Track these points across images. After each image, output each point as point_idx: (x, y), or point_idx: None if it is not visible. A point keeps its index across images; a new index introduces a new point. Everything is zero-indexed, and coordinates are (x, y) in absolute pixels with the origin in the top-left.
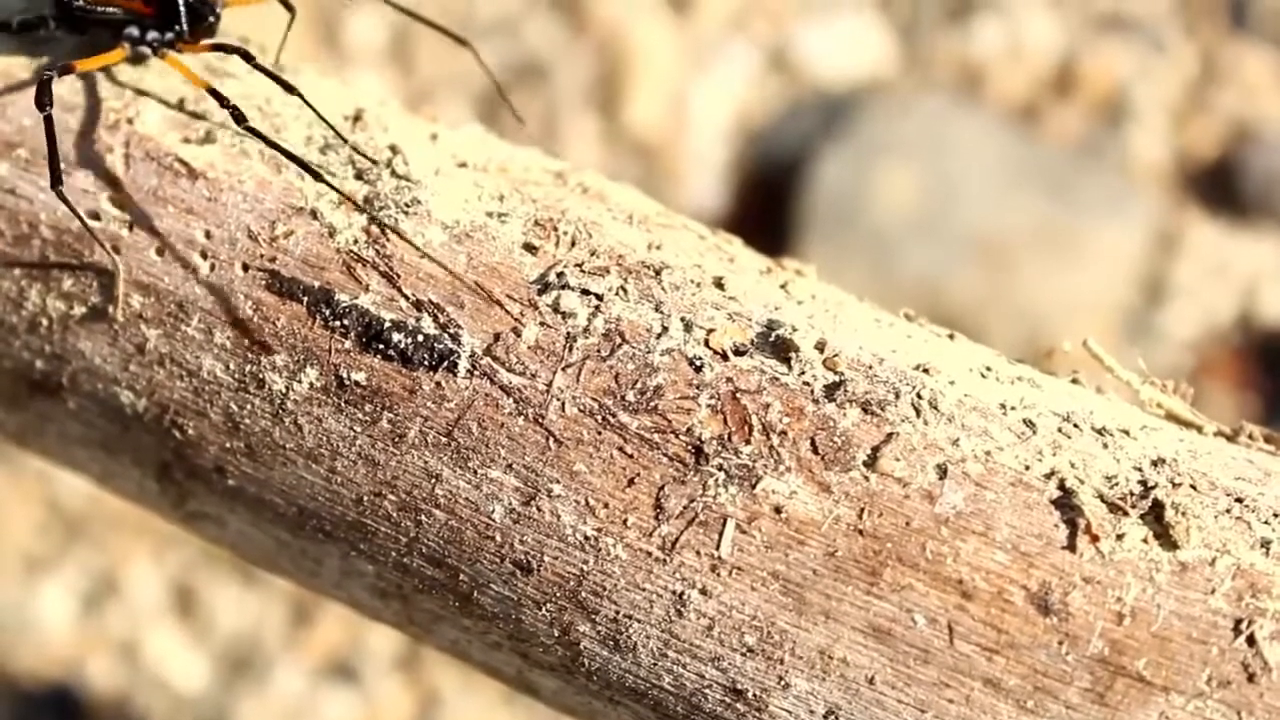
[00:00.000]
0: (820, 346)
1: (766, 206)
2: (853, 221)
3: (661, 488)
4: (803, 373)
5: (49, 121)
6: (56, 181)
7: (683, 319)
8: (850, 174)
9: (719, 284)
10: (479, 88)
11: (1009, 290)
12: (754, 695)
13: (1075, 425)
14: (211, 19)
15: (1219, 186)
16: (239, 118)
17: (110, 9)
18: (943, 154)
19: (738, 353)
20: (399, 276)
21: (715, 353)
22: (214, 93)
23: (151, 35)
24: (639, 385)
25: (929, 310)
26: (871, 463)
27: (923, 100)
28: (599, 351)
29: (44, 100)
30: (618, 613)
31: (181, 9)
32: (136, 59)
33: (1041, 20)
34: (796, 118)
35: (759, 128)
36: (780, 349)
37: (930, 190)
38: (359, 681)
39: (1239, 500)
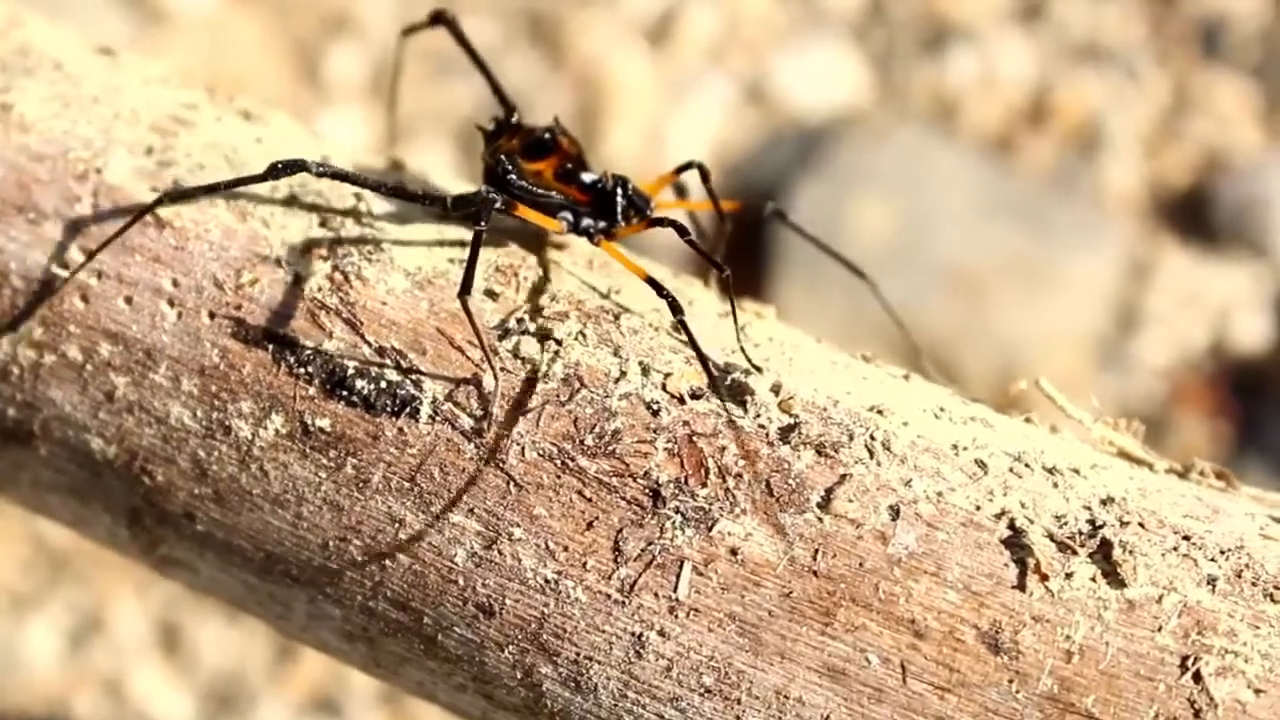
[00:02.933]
0: (776, 389)
1: (743, 238)
2: None
3: (620, 531)
4: (758, 415)
5: (479, 237)
6: (465, 290)
7: (641, 363)
8: (826, 205)
9: (677, 328)
10: (459, 124)
11: (983, 320)
12: None
13: (1026, 465)
14: (648, 211)
15: (1191, 215)
16: (676, 308)
17: (550, 193)
18: (917, 185)
19: (694, 396)
20: (362, 324)
21: (672, 396)
22: (652, 282)
23: (586, 223)
24: (597, 429)
25: (902, 342)
26: (825, 504)
27: (897, 131)
28: (558, 396)
29: (482, 217)
30: (578, 654)
31: (619, 205)
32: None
33: (1015, 51)
34: (773, 149)
35: (736, 159)
36: (736, 392)
37: (905, 221)
38: (342, 717)
39: (1186, 538)
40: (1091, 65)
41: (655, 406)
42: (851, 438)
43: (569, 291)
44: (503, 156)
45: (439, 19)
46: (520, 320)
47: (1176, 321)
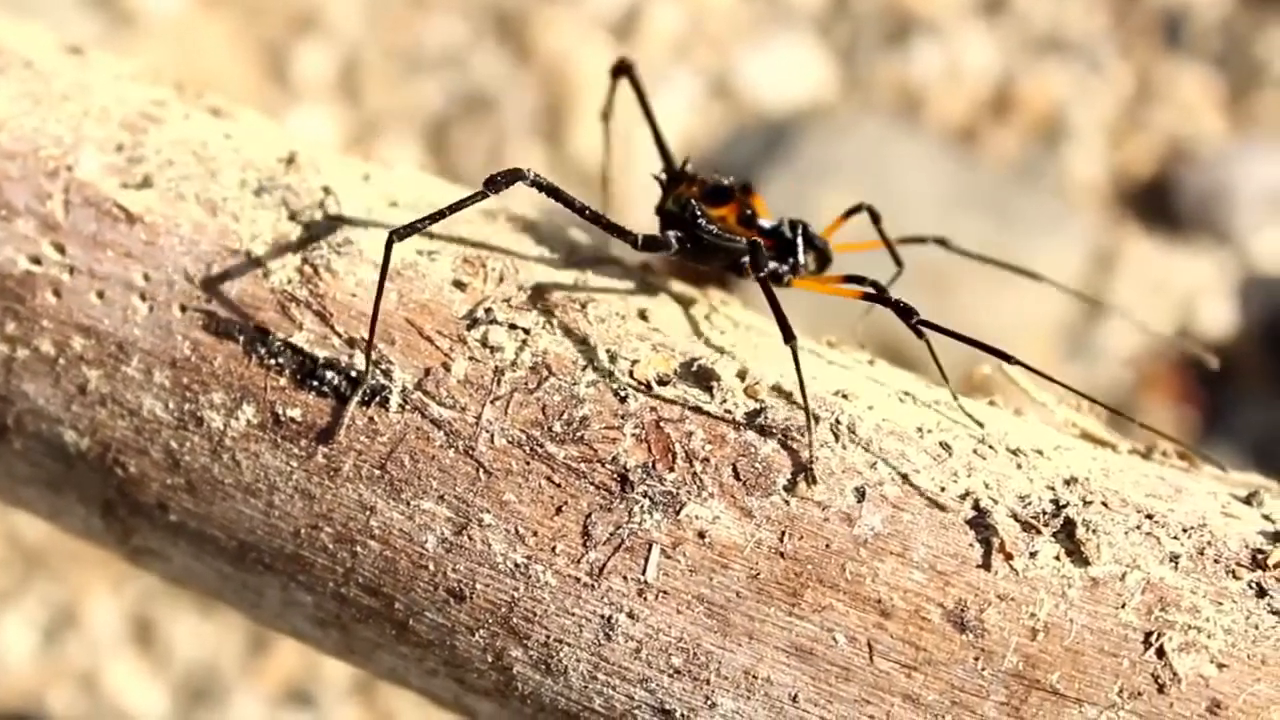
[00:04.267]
0: (741, 375)
1: None
2: None
3: (589, 515)
4: (724, 401)
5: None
6: (789, 337)
7: (608, 351)
8: (792, 198)
9: (643, 316)
10: (426, 121)
11: (951, 311)
12: (682, 715)
13: (990, 447)
14: (828, 252)
15: (1155, 204)
16: (909, 313)
17: (735, 238)
18: (883, 177)
19: (661, 383)
20: (331, 315)
21: (639, 383)
22: (872, 296)
23: (771, 265)
24: (565, 416)
25: (869, 332)
26: (791, 487)
27: (863, 124)
28: (526, 384)
29: (776, 306)
30: (548, 637)
31: (799, 246)
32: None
33: (979, 43)
34: (739, 143)
35: (703, 153)
36: (702, 378)
37: None
38: (316, 708)
39: (1149, 516)
40: (1055, 57)
41: (622, 393)
42: (817, 421)
43: (537, 281)
44: (691, 201)
45: (622, 70)
46: (489, 310)
47: (1142, 309)
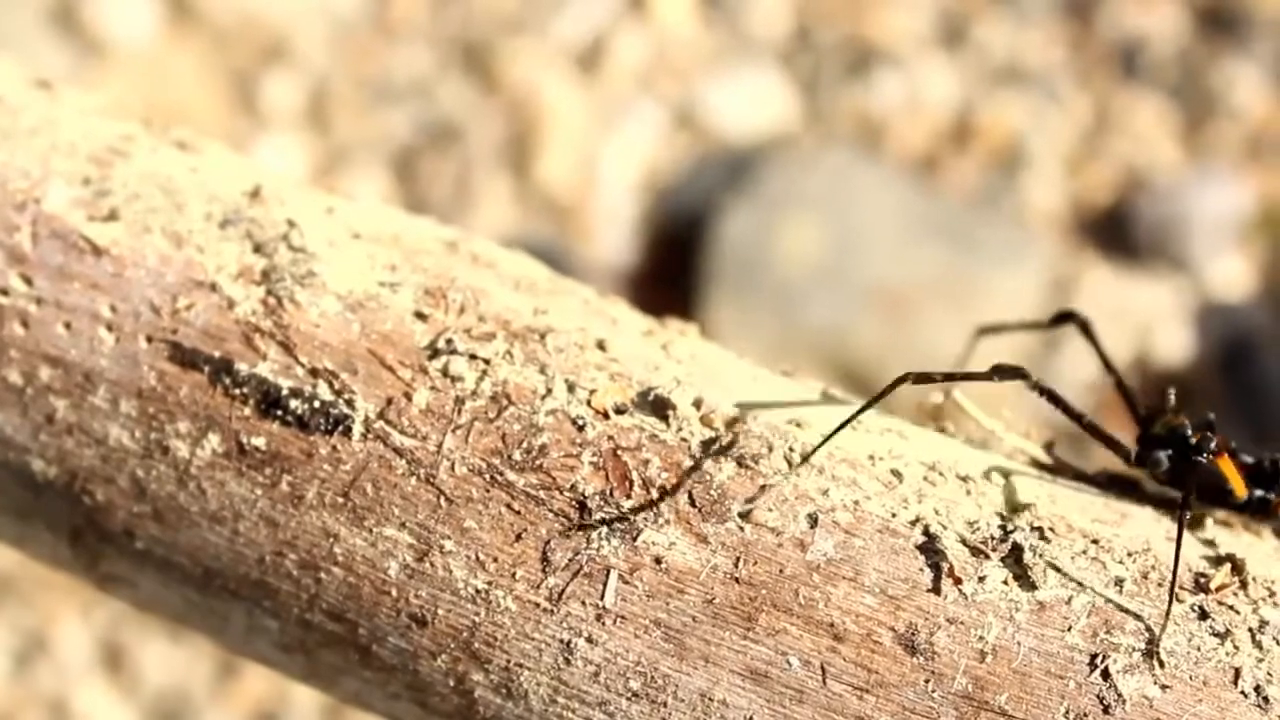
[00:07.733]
0: (697, 404)
1: (674, 260)
2: (758, 274)
3: (548, 542)
4: (680, 429)
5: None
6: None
7: (566, 380)
8: (755, 227)
9: (601, 346)
10: (393, 150)
11: (911, 338)
12: None
13: (940, 474)
14: None
15: (1113, 232)
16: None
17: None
18: (845, 206)
19: (618, 411)
20: (295, 345)
21: (597, 412)
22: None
23: (1258, 494)
24: (525, 445)
25: (833, 359)
26: (746, 514)
27: (825, 154)
28: (487, 413)
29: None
30: (509, 662)
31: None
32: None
33: (938, 74)
34: (702, 173)
35: (666, 183)
36: (659, 407)
37: (833, 242)
38: None
39: (1095, 541)
40: (1013, 87)
41: (581, 422)
42: (771, 449)
43: (497, 312)
44: (1207, 435)
45: (1069, 318)
46: (449, 341)
47: (1100, 335)
